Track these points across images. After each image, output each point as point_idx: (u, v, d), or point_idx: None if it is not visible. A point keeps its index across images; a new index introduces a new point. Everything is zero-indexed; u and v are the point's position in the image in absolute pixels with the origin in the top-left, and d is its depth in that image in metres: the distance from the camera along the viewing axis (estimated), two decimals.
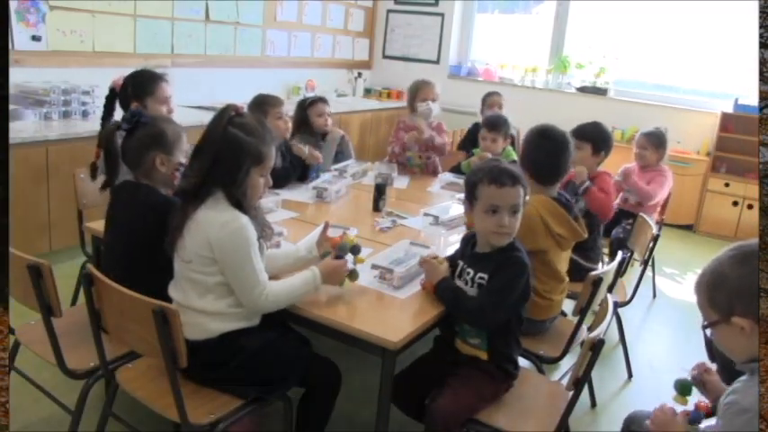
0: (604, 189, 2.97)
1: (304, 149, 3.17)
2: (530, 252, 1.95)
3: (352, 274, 1.92)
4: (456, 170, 3.64)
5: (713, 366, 1.65)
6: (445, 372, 1.90)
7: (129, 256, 1.90)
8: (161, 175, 1.95)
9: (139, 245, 1.89)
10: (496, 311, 1.79)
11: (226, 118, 1.72)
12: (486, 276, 1.84)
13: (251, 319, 1.80)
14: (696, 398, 1.63)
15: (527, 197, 1.88)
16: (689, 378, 1.67)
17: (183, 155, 1.97)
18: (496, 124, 3.47)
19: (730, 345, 1.33)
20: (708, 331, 1.45)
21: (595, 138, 3.02)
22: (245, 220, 1.70)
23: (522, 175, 1.85)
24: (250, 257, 1.69)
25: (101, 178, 2.07)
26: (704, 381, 1.64)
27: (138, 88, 2.59)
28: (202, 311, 1.73)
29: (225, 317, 1.75)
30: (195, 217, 1.70)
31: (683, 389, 1.65)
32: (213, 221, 1.68)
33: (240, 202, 1.72)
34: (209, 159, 1.70)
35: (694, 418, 1.52)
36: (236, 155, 1.70)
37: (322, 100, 3.44)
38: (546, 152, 2.25)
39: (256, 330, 1.80)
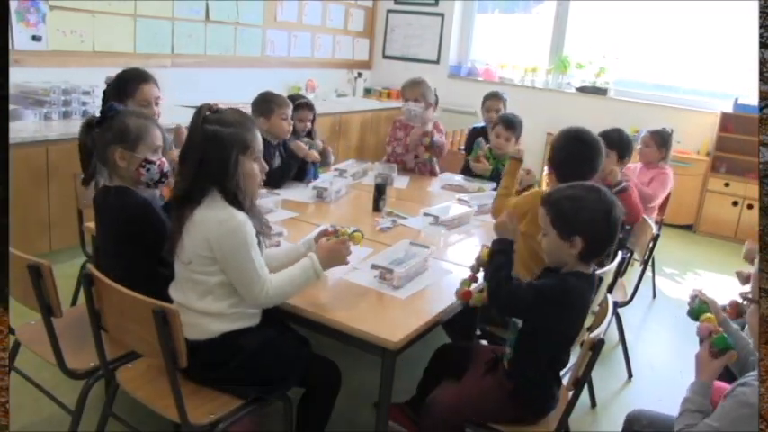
0: (630, 203, 2.89)
1: (304, 147, 3.16)
2: (524, 233, 2.05)
3: (355, 236, 1.93)
4: (466, 172, 3.62)
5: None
6: (466, 366, 1.93)
7: (117, 261, 1.90)
8: (124, 171, 1.91)
9: (121, 248, 1.89)
10: (510, 302, 1.74)
11: (200, 118, 1.71)
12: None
13: (251, 319, 1.80)
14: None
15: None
16: (696, 303, 1.73)
17: (150, 151, 1.93)
18: (513, 123, 3.47)
19: (756, 327, 1.36)
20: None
21: (620, 145, 3.00)
22: (242, 217, 1.70)
23: (553, 199, 1.76)
24: (250, 255, 1.69)
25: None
26: (705, 300, 1.71)
27: (118, 90, 2.58)
28: (203, 312, 1.73)
29: (225, 317, 1.75)
30: (193, 218, 1.70)
31: (696, 313, 1.70)
32: (211, 220, 1.68)
33: (236, 195, 1.72)
34: (196, 161, 1.70)
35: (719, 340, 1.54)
36: (220, 149, 1.69)
37: (308, 106, 3.43)
38: (576, 156, 2.23)
39: (256, 330, 1.80)
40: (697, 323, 1.68)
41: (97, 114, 1.96)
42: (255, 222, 1.76)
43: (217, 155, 1.69)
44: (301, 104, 3.40)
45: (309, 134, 3.47)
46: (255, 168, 1.77)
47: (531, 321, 1.76)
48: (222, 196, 1.71)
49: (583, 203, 1.72)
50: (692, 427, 1.43)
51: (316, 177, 3.22)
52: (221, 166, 1.69)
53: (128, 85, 2.57)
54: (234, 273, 1.71)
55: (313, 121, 3.47)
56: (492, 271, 1.78)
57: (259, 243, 1.76)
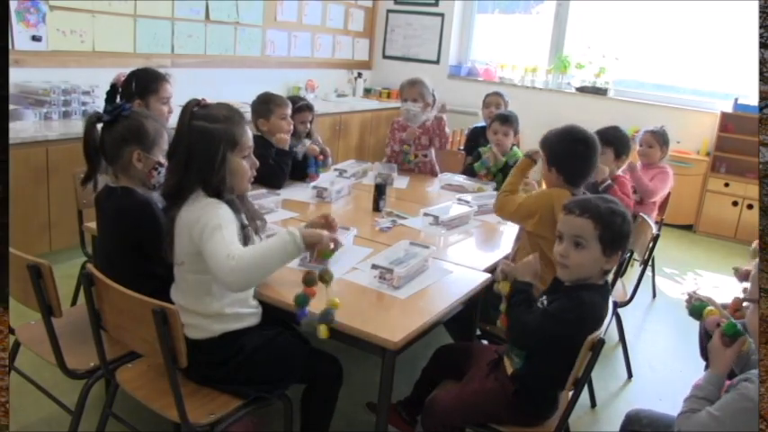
0: (625, 193, 3.00)
1: (286, 138, 3.09)
2: (530, 233, 2.12)
3: (326, 275, 1.70)
4: (467, 172, 3.61)
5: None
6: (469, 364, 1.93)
7: (119, 261, 1.89)
8: (137, 172, 1.92)
9: (123, 248, 1.89)
10: (528, 327, 1.73)
11: (188, 113, 1.71)
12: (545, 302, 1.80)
13: (250, 319, 1.80)
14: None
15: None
16: (694, 302, 1.74)
17: (162, 154, 1.95)
18: (509, 118, 3.47)
19: (756, 326, 1.37)
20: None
21: (617, 142, 3.05)
22: (217, 202, 1.67)
23: (603, 211, 1.72)
24: (220, 228, 1.60)
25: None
26: (703, 299, 1.73)
27: (143, 86, 2.60)
28: (203, 314, 1.73)
29: (224, 318, 1.74)
30: (179, 218, 1.69)
31: (697, 310, 1.70)
32: (191, 214, 1.67)
33: (220, 191, 1.70)
34: (183, 156, 1.69)
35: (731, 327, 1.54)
36: (208, 145, 1.68)
37: (309, 108, 3.43)
38: (579, 154, 2.25)
39: (256, 330, 1.80)
40: (698, 322, 1.68)
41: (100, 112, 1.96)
42: (243, 214, 1.74)
43: (204, 151, 1.68)
44: (302, 107, 3.39)
45: (308, 135, 3.47)
46: (244, 165, 1.75)
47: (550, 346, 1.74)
48: (204, 192, 1.70)
49: (626, 219, 1.74)
50: (695, 413, 1.44)
51: (316, 171, 3.20)
52: (207, 163, 1.68)
53: (152, 83, 2.62)
54: (204, 249, 1.62)
55: (311, 122, 3.47)
56: (511, 309, 1.79)
57: (246, 236, 1.72)
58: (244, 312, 1.78)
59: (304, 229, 1.65)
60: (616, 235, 1.71)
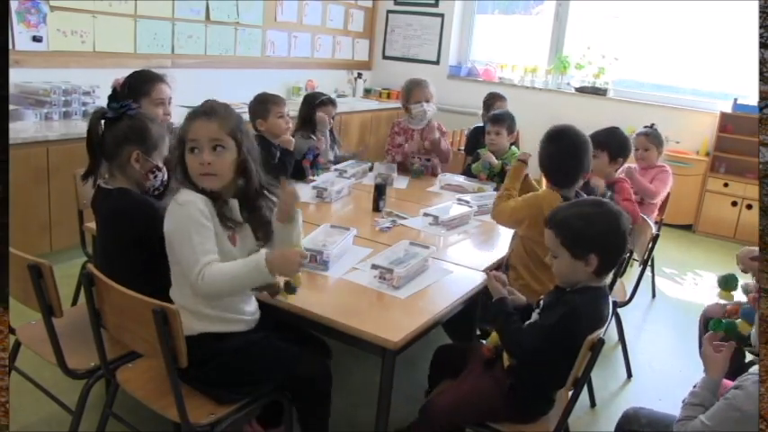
0: (627, 198, 2.94)
1: (290, 139, 3.14)
2: (522, 236, 2.18)
3: (288, 287, 1.76)
4: (467, 173, 3.60)
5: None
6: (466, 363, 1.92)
7: (119, 261, 1.87)
8: (134, 173, 1.92)
9: (123, 249, 1.88)
10: (523, 346, 1.74)
11: None
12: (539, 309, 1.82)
13: (236, 324, 1.76)
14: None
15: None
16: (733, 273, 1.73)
17: (161, 159, 1.94)
18: (499, 118, 3.47)
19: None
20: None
21: (612, 145, 2.99)
22: (193, 197, 1.66)
23: (561, 218, 1.76)
24: (189, 235, 1.61)
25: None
26: (751, 268, 1.70)
27: (134, 88, 2.60)
28: (185, 307, 1.66)
29: (205, 318, 1.70)
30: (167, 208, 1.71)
31: (726, 283, 1.69)
32: (170, 209, 1.68)
33: (195, 184, 1.70)
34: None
35: (747, 312, 1.53)
36: (175, 142, 1.74)
37: (332, 102, 3.44)
38: (555, 154, 2.22)
39: (241, 334, 1.76)
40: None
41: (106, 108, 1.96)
42: (223, 208, 1.72)
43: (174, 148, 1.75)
44: (324, 101, 3.41)
45: (330, 131, 3.49)
46: (189, 159, 1.69)
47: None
48: (190, 187, 1.69)
49: (591, 219, 1.72)
50: (690, 420, 1.45)
51: (317, 167, 3.21)
52: (174, 158, 1.74)
53: (144, 84, 2.60)
54: (176, 254, 1.65)
55: (334, 117, 3.48)
56: (497, 328, 1.80)
57: (228, 228, 1.71)
58: (228, 317, 1.74)
59: (274, 254, 1.64)
60: (577, 238, 1.71)
